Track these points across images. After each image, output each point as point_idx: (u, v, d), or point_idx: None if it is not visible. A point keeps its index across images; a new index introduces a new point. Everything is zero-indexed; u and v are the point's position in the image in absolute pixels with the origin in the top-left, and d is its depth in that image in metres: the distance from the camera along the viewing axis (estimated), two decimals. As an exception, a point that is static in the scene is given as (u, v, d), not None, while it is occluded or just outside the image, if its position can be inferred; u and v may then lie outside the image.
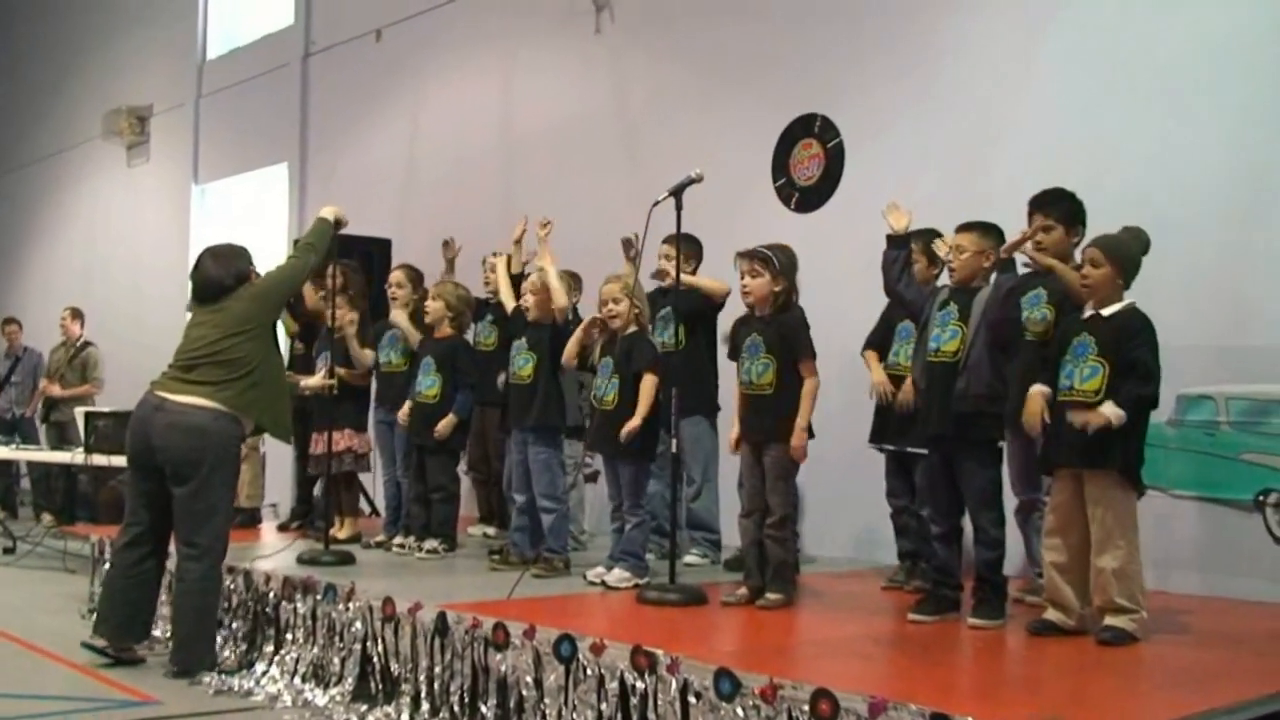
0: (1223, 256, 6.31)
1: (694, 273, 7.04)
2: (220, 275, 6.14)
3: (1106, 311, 4.94)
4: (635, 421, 6.03)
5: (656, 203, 5.71)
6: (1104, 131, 6.77)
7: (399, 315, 7.65)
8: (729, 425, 5.95)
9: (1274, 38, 6.26)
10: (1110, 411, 4.75)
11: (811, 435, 5.61)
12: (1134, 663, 4.59)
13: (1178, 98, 6.55)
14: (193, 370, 5.94)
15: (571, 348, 6.46)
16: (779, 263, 5.62)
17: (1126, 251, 4.98)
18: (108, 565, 6.42)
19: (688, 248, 6.98)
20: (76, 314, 12.70)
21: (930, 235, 6.10)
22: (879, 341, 6.42)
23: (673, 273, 6.22)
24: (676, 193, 5.75)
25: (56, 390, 12.22)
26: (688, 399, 6.24)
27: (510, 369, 6.73)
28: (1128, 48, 6.77)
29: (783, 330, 5.63)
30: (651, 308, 6.62)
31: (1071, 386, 4.93)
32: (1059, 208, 5.63)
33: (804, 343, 5.63)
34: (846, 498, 7.45)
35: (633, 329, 6.25)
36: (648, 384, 6.09)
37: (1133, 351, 4.81)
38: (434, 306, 7.37)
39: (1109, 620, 4.80)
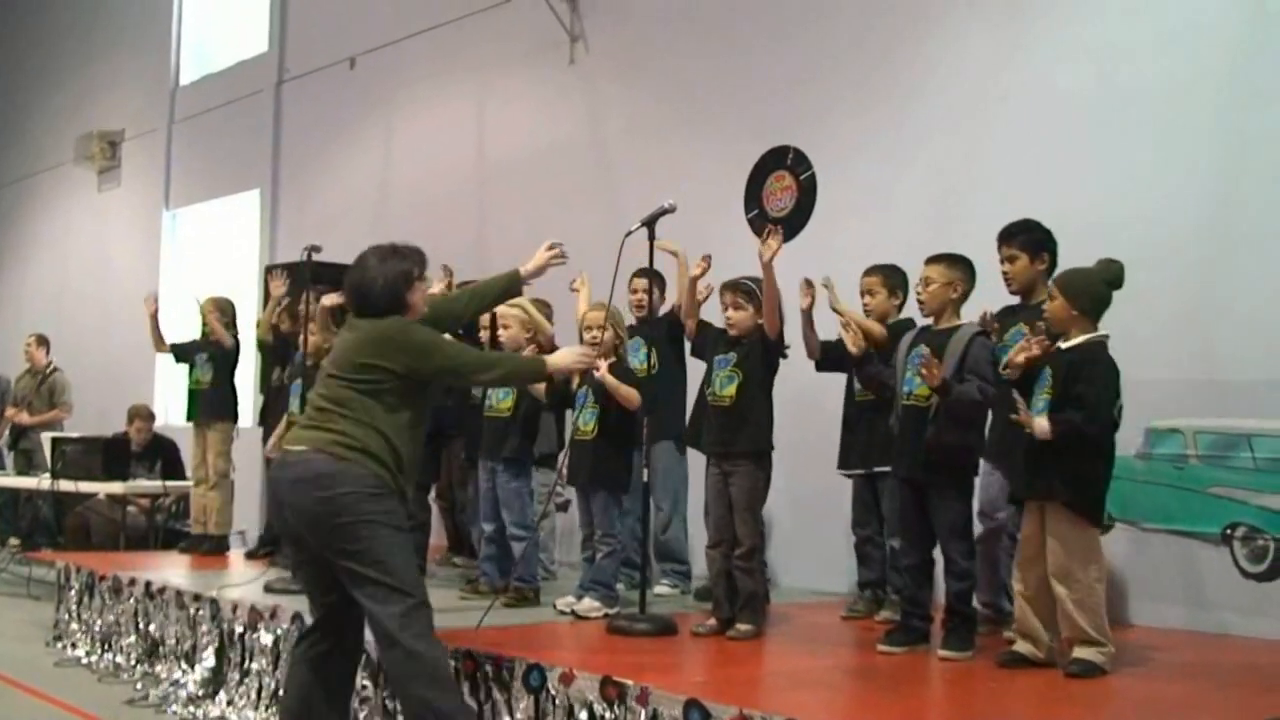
0: (1191, 290, 6.35)
1: (663, 306, 7.06)
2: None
3: (1065, 345, 4.96)
4: (606, 374, 6.01)
5: (629, 233, 5.71)
6: (1073, 166, 6.83)
7: None
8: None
9: (1242, 72, 6.33)
10: (1039, 422, 4.79)
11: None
12: (1102, 695, 4.60)
13: (1146, 132, 6.61)
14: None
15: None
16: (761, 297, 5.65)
17: (1083, 284, 4.97)
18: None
19: (661, 282, 7.01)
20: (42, 340, 12.60)
21: (893, 271, 6.17)
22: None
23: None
24: (649, 223, 5.76)
25: (25, 418, 12.11)
26: (659, 424, 6.24)
27: (488, 400, 6.69)
28: (1096, 83, 6.83)
29: (761, 348, 5.67)
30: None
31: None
32: (1021, 238, 5.68)
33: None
34: (814, 526, 7.46)
35: (611, 359, 6.25)
36: (630, 390, 6.09)
37: (1077, 385, 4.82)
38: None
39: (1078, 652, 4.81)
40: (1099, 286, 4.97)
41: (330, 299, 6.99)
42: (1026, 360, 4.96)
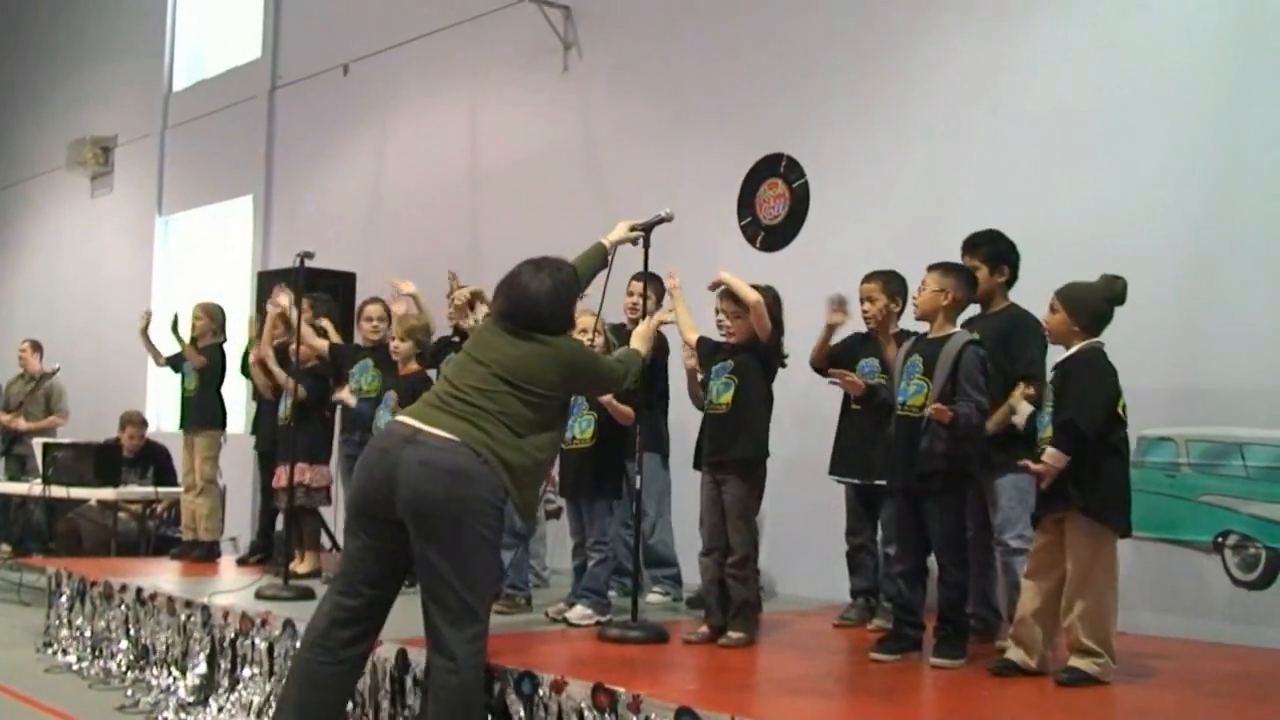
0: (1183, 299, 6.36)
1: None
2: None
3: (1062, 356, 4.97)
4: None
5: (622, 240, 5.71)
6: (1063, 175, 6.84)
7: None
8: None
9: (1233, 80, 6.34)
10: (1049, 457, 4.78)
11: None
12: (1093, 704, 4.61)
13: (1136, 142, 6.62)
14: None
15: None
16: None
17: (1083, 298, 4.97)
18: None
19: (655, 287, 6.99)
20: (36, 346, 12.58)
21: (892, 277, 6.17)
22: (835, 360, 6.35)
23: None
24: (646, 229, 5.75)
25: (21, 424, 12.08)
26: (643, 436, 6.22)
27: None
28: (1086, 93, 6.84)
29: (757, 355, 5.68)
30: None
31: (1042, 435, 4.99)
32: (984, 250, 5.74)
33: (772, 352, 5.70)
34: (807, 533, 7.46)
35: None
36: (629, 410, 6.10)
37: (1070, 390, 4.84)
38: (404, 347, 7.32)
39: (1072, 661, 4.81)
40: (1100, 303, 4.96)
41: (467, 290, 7.18)
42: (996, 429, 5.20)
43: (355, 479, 4.61)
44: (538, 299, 4.69)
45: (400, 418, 4.56)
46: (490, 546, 4.46)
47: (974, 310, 5.73)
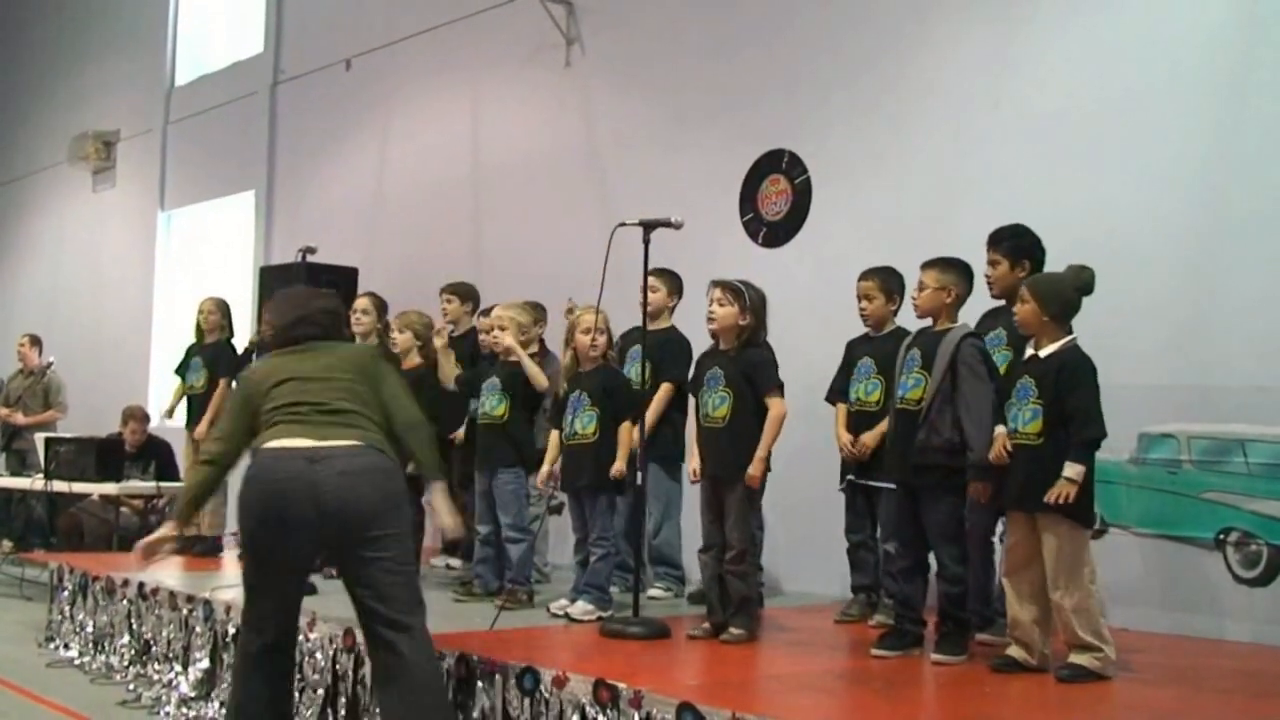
0: (1185, 296, 6.36)
1: (674, 308, 7.09)
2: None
3: (1043, 352, 4.95)
4: (620, 465, 6.07)
5: (622, 224, 5.70)
6: (1066, 172, 6.83)
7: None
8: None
9: (1233, 77, 6.34)
10: (1070, 473, 4.76)
11: (768, 468, 5.60)
12: (1095, 700, 4.61)
13: (1139, 139, 6.61)
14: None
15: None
16: (749, 298, 5.63)
17: (1052, 288, 4.97)
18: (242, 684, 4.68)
19: (669, 283, 7.01)
20: (35, 341, 12.57)
21: (889, 274, 6.18)
22: (843, 386, 6.39)
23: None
24: (648, 225, 5.75)
25: (20, 419, 12.08)
26: (650, 444, 6.21)
27: (481, 408, 6.69)
28: (1089, 90, 6.84)
29: (745, 365, 5.62)
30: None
31: (1016, 429, 4.96)
32: (1007, 244, 5.74)
33: (769, 375, 5.64)
34: (808, 531, 7.46)
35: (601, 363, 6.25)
36: (628, 430, 6.11)
37: (1068, 398, 4.82)
38: (403, 339, 7.34)
39: (1072, 658, 4.82)
40: (1069, 292, 4.96)
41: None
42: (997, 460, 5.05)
43: (257, 517, 4.40)
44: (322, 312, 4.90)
45: (282, 443, 4.41)
46: (417, 529, 4.60)
47: (996, 304, 5.76)
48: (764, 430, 5.55)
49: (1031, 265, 5.67)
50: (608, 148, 9.68)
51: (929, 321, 5.51)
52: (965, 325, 5.39)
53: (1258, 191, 6.21)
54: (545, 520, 7.73)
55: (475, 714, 4.87)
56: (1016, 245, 5.71)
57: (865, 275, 6.25)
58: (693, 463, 5.81)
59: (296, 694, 5.64)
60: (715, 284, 5.71)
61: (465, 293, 8.04)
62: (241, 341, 8.91)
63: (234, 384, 8.50)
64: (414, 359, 7.35)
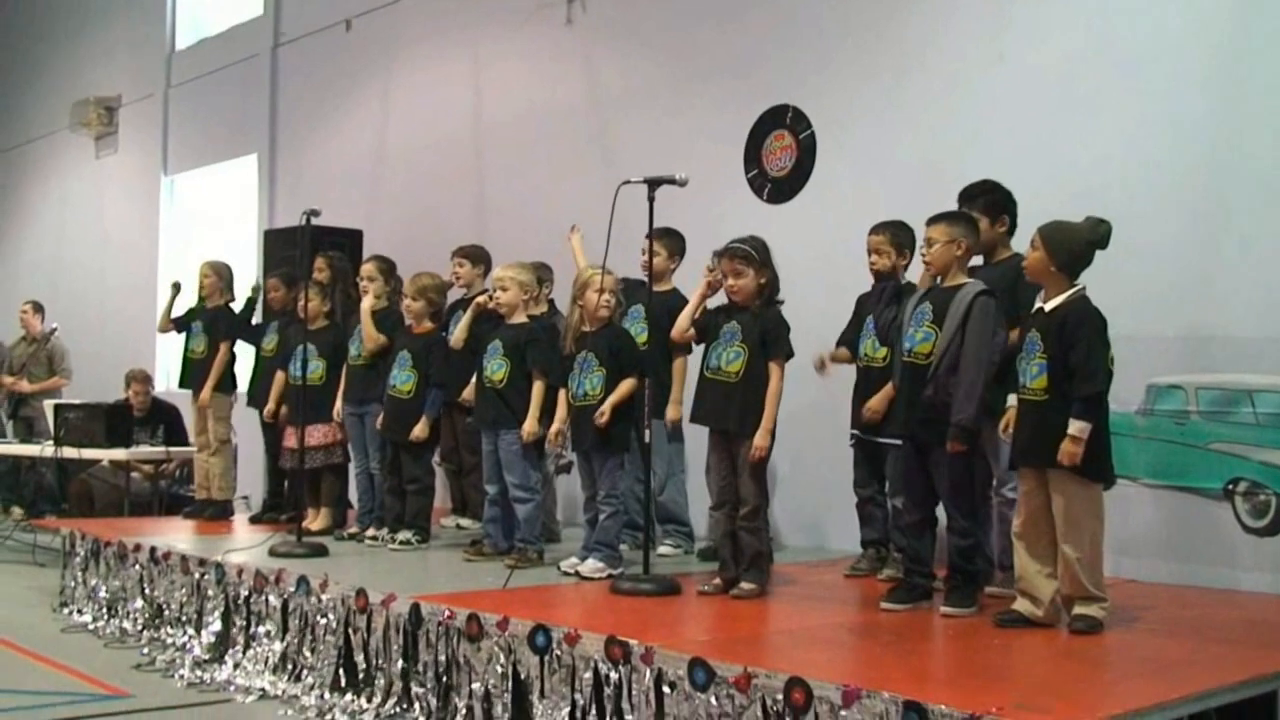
0: (1192, 247, 6.33)
1: (675, 270, 7.06)
2: None
3: (1049, 305, 4.92)
4: (606, 414, 6.06)
5: (627, 181, 5.67)
6: (1071, 125, 6.79)
7: (367, 309, 7.58)
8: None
9: (1238, 26, 6.29)
10: (1074, 430, 4.74)
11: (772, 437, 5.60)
12: (1104, 651, 4.62)
13: (1145, 90, 6.57)
14: None
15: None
16: (759, 256, 5.61)
17: (1065, 238, 4.90)
18: None
19: (671, 243, 6.98)
20: (38, 308, 12.57)
21: (900, 228, 6.15)
22: (852, 338, 6.37)
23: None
24: (653, 183, 5.72)
25: (25, 387, 12.10)
26: (652, 402, 6.19)
27: (484, 370, 6.69)
28: (1093, 42, 6.79)
29: (765, 325, 5.60)
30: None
31: (1025, 385, 4.95)
32: (982, 200, 5.72)
33: (782, 341, 5.63)
34: (817, 486, 7.48)
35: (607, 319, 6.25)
36: (628, 385, 6.12)
37: (1071, 352, 4.79)
38: (416, 306, 7.33)
39: (1079, 609, 4.82)
40: (1082, 245, 4.90)
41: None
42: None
43: None
44: None
45: None
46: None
47: (976, 261, 5.71)
48: (766, 402, 5.55)
49: (1010, 220, 5.67)
50: (610, 105, 9.64)
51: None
52: (977, 282, 5.35)
53: (1266, 141, 6.17)
54: (554, 479, 7.76)
55: (488, 672, 4.89)
56: (992, 201, 5.71)
57: (876, 229, 6.20)
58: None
59: (309, 654, 5.72)
60: (720, 255, 5.66)
61: (476, 255, 8.02)
62: (239, 305, 8.89)
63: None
64: (426, 324, 7.36)
